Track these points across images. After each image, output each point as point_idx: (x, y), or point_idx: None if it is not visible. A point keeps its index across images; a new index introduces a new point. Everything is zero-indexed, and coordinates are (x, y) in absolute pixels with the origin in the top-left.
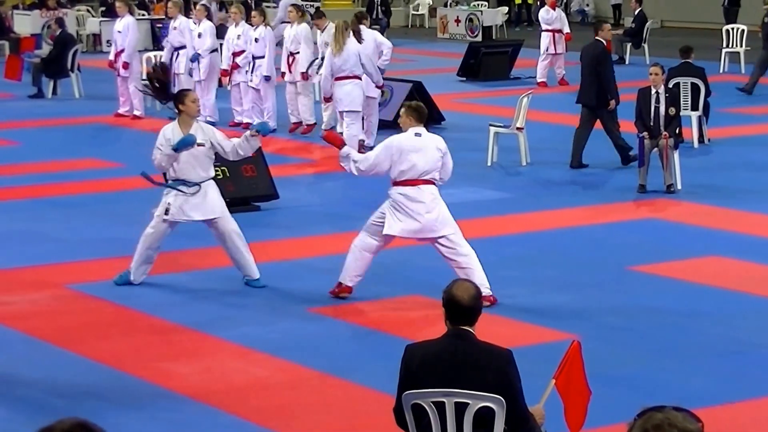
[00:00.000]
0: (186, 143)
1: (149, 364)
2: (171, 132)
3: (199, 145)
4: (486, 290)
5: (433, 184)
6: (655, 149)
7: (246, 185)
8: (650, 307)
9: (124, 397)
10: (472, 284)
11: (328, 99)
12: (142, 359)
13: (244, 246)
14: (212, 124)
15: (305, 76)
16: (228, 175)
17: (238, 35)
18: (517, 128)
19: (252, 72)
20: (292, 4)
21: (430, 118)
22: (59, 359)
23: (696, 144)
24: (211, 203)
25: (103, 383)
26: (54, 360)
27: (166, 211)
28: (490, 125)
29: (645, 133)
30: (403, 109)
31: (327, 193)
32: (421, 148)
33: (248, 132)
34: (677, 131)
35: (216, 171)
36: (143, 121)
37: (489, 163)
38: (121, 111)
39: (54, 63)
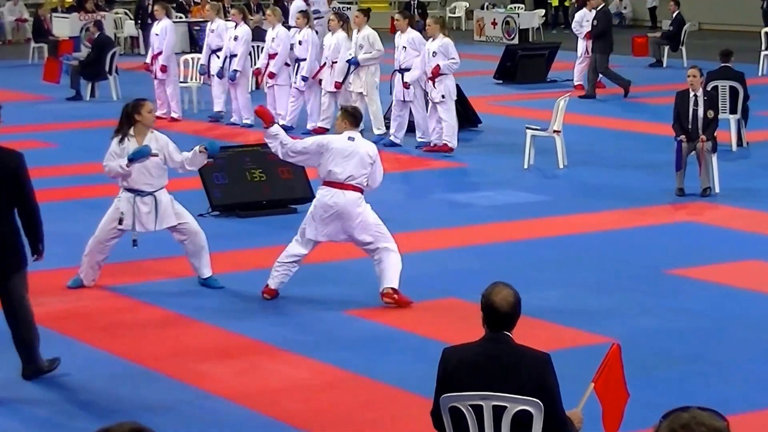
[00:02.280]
0: (141, 154)
1: (185, 365)
2: (126, 141)
3: (153, 155)
4: (389, 288)
5: (360, 191)
6: (693, 152)
7: (283, 187)
8: (687, 311)
9: (159, 398)
10: (511, 290)
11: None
12: (178, 360)
13: (205, 246)
14: (248, 126)
15: (339, 85)
16: (265, 177)
17: (272, 38)
18: (554, 131)
19: (296, 74)
20: (335, 12)
21: (467, 120)
22: (96, 359)
23: (734, 147)
24: (164, 213)
25: (139, 383)
26: (91, 360)
27: (120, 221)
28: (527, 128)
29: (683, 136)
30: (339, 113)
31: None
32: (352, 152)
33: (198, 147)
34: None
35: (253, 173)
36: (181, 124)
37: (526, 166)
38: (158, 113)
39: (92, 65)
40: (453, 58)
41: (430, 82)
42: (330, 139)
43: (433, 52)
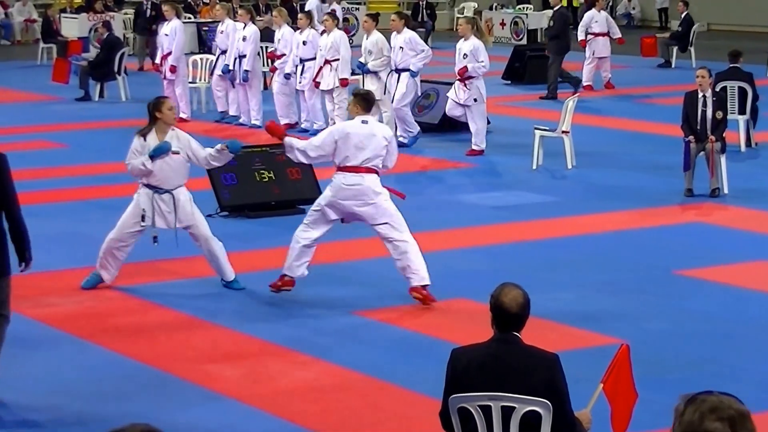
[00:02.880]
0: (162, 150)
1: (195, 366)
2: (147, 139)
3: (174, 153)
4: (422, 281)
5: (376, 173)
6: (702, 153)
7: (291, 188)
8: (697, 312)
9: (170, 399)
10: (520, 290)
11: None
12: (188, 361)
13: (220, 250)
14: (258, 127)
15: (345, 82)
16: (274, 178)
17: (278, 39)
18: (563, 132)
19: (301, 75)
20: (327, 12)
21: None
22: (106, 360)
23: (743, 148)
24: (182, 211)
25: (149, 385)
26: (100, 361)
27: (142, 218)
28: (536, 128)
29: (691, 137)
30: (351, 98)
31: None
32: (367, 135)
33: (219, 145)
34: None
35: (262, 174)
36: (190, 124)
37: (534, 167)
38: None
39: (101, 66)
40: (482, 61)
41: (461, 85)
42: (344, 125)
43: (464, 54)
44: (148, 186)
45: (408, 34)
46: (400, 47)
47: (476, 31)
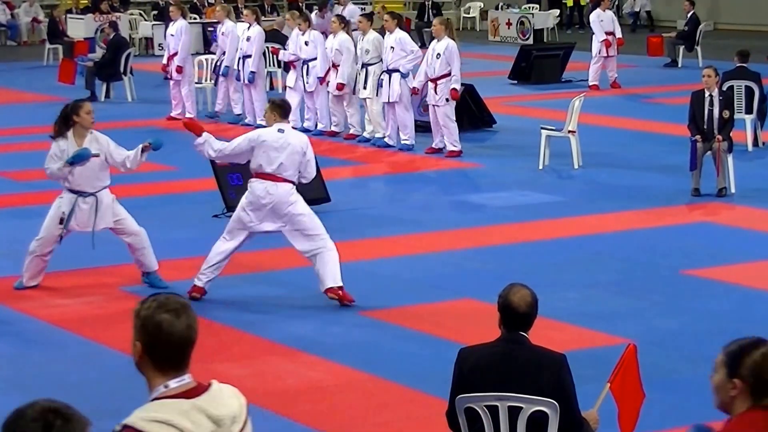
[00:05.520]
0: (81, 158)
1: (202, 366)
2: (66, 143)
3: (95, 155)
4: (333, 284)
5: (292, 183)
6: (709, 152)
7: (298, 187)
8: (704, 312)
9: None
10: (529, 290)
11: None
12: (195, 361)
13: (147, 241)
14: (263, 128)
15: (341, 86)
16: None
17: (293, 42)
18: (569, 131)
19: (306, 75)
20: (336, 15)
21: (482, 120)
22: (113, 361)
23: (750, 147)
24: (102, 213)
25: None
26: (108, 362)
27: (61, 221)
28: (542, 128)
29: (698, 137)
30: (267, 105)
31: (377, 195)
32: (282, 143)
33: (141, 145)
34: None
35: None
36: None
37: (541, 167)
38: (173, 114)
39: (107, 66)
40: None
41: (432, 85)
42: (260, 132)
43: (438, 54)
44: (71, 191)
45: (400, 34)
46: (391, 47)
47: (450, 32)
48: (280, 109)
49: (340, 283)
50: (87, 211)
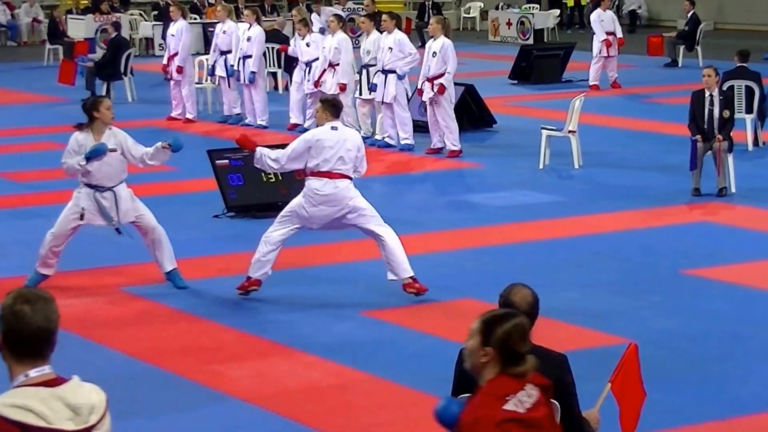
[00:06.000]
0: (98, 153)
1: (202, 367)
2: (84, 138)
3: (112, 150)
4: (407, 274)
5: (349, 178)
6: (709, 152)
7: (298, 188)
8: (704, 311)
9: (177, 400)
10: (530, 290)
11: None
12: (195, 362)
13: (166, 240)
14: (264, 127)
15: (343, 87)
16: (281, 178)
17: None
18: (570, 131)
19: (308, 76)
20: (334, 14)
21: (482, 120)
22: (113, 361)
23: (751, 147)
24: (124, 207)
25: (157, 385)
26: (108, 362)
27: (81, 216)
28: (542, 128)
29: (698, 136)
30: (319, 104)
31: (377, 196)
32: (337, 141)
33: (160, 143)
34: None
35: (269, 174)
36: (196, 125)
37: (541, 167)
38: (173, 114)
39: (107, 67)
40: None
41: (428, 84)
42: (314, 132)
43: (434, 53)
44: (88, 185)
45: (398, 35)
46: (389, 48)
47: (446, 32)
48: (332, 107)
49: (411, 272)
50: (108, 205)
